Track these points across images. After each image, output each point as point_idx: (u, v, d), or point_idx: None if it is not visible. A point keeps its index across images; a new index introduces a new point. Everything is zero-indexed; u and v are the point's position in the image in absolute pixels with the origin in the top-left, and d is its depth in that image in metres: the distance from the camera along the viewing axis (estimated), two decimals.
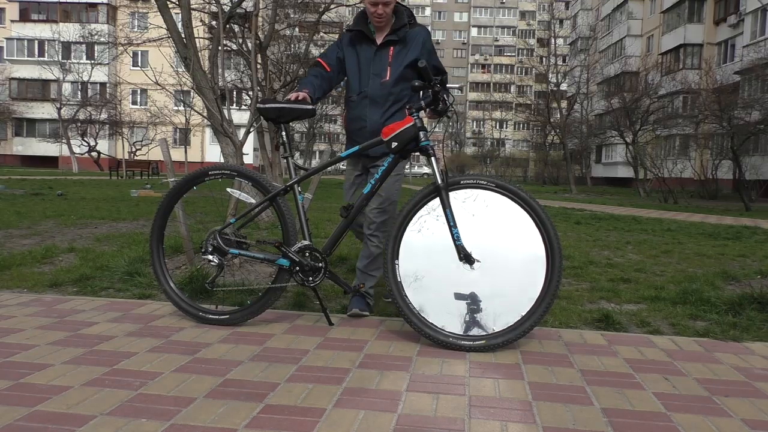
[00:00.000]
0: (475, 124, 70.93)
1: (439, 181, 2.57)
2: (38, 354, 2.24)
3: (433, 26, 78.92)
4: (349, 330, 2.71)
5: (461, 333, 2.46)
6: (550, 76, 32.61)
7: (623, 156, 30.39)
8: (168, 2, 4.57)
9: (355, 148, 2.81)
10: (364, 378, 2.09)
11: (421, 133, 2.65)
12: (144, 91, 40.43)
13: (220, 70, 4.59)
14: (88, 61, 39.85)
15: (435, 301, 2.52)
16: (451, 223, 2.52)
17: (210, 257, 2.76)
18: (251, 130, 4.95)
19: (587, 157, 41.00)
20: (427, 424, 1.73)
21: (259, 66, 8.68)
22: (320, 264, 2.71)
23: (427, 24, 77.89)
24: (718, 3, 31.49)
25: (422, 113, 2.70)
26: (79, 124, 38.04)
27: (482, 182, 2.56)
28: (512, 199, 2.51)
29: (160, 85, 5.40)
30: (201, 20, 10.21)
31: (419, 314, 2.52)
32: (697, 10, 32.46)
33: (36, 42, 41.96)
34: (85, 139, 37.92)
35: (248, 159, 39.57)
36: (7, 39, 42.15)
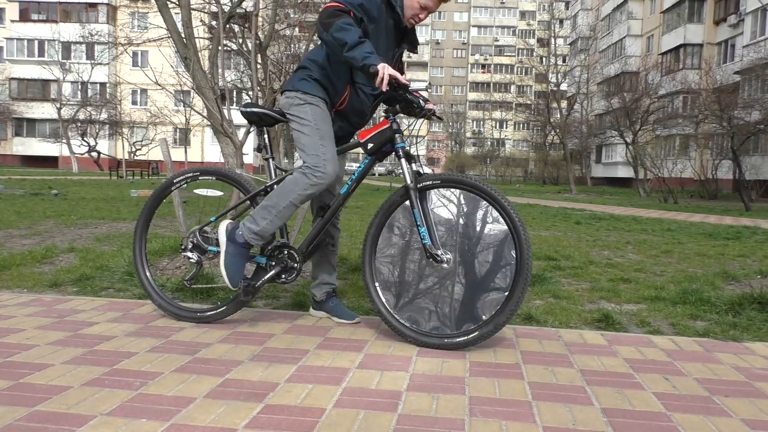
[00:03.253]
0: (475, 124, 70.93)
1: (408, 182, 2.58)
2: (38, 354, 2.24)
3: (433, 26, 78.94)
4: (349, 330, 2.71)
5: (455, 331, 2.48)
6: (550, 76, 32.62)
7: (623, 156, 30.41)
8: (168, 2, 4.56)
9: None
10: (364, 378, 2.09)
11: (397, 136, 2.64)
12: (144, 91, 40.45)
13: (220, 70, 4.59)
14: (88, 61, 39.85)
15: (423, 308, 2.55)
16: (418, 223, 2.53)
17: (189, 254, 2.79)
18: (251, 130, 4.94)
19: (587, 157, 41.02)
20: (427, 424, 1.73)
21: (259, 66, 8.68)
22: (295, 264, 2.72)
23: (427, 24, 77.92)
24: (718, 3, 31.51)
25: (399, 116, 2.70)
26: (79, 124, 38.05)
27: (438, 181, 2.58)
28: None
29: (160, 85, 5.40)
30: (201, 20, 10.21)
31: (413, 327, 2.54)
32: (697, 10, 32.48)
33: (36, 42, 41.98)
34: (85, 139, 37.92)
35: (248, 159, 39.55)
36: (7, 39, 42.18)
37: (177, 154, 36.10)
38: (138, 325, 2.68)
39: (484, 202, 2.54)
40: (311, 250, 2.79)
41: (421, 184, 2.59)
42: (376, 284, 2.65)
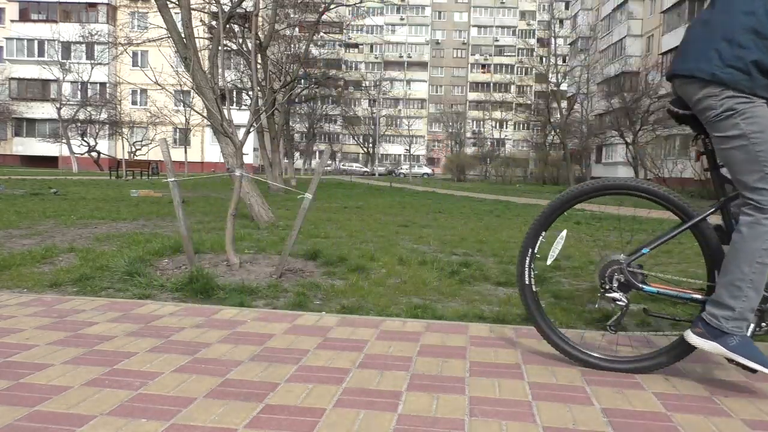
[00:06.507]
0: (475, 124, 70.98)
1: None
2: (38, 354, 2.24)
3: (433, 26, 78.96)
4: (349, 330, 2.71)
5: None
6: (550, 76, 32.66)
7: (623, 156, 30.43)
8: (168, 2, 4.57)
9: None
10: (364, 378, 2.09)
11: None
12: (144, 91, 40.47)
13: (220, 70, 4.59)
14: (88, 61, 39.89)
15: None
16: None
17: (615, 296, 2.24)
18: (251, 130, 4.95)
19: (587, 157, 41.06)
20: (427, 424, 1.73)
21: (259, 66, 8.68)
22: None
23: (427, 24, 77.95)
24: None
25: None
26: (79, 124, 38.09)
27: None
28: None
29: (160, 85, 5.40)
30: (201, 20, 10.22)
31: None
32: (698, 10, 32.48)
33: (36, 42, 42.02)
34: (85, 139, 37.96)
35: (248, 159, 39.49)
36: (7, 39, 42.24)
37: (177, 154, 36.08)
38: (138, 325, 2.68)
39: None
40: None
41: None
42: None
